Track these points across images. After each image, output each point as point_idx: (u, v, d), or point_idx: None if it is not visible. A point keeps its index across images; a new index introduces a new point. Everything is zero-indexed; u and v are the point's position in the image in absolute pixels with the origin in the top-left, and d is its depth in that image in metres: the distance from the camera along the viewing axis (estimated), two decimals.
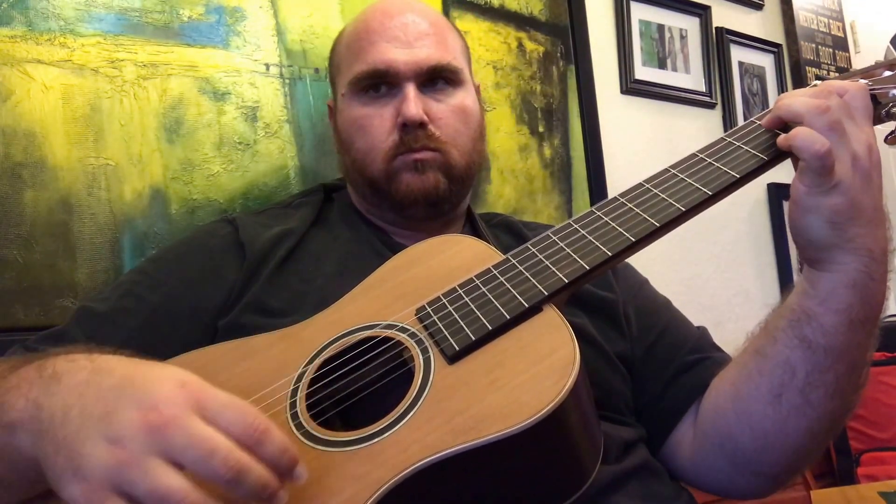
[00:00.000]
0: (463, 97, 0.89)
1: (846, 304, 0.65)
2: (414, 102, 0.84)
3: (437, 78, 0.87)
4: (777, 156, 0.67)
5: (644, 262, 0.99)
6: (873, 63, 0.74)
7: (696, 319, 0.93)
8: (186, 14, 1.06)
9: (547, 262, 0.66)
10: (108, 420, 0.48)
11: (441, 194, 0.85)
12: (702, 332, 0.89)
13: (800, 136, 0.63)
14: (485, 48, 1.38)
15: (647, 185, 0.69)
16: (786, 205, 1.91)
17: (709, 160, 0.69)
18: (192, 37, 1.06)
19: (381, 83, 0.86)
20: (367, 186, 0.88)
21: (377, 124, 0.85)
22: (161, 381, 0.50)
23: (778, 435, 0.70)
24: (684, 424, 0.81)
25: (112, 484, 0.46)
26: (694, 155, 0.70)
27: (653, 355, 0.85)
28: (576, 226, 0.69)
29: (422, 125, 0.84)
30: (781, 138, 0.66)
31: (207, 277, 0.80)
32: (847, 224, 0.63)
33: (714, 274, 1.74)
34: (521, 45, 1.44)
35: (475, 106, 0.91)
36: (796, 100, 0.66)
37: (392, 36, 0.86)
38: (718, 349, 0.86)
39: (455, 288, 0.67)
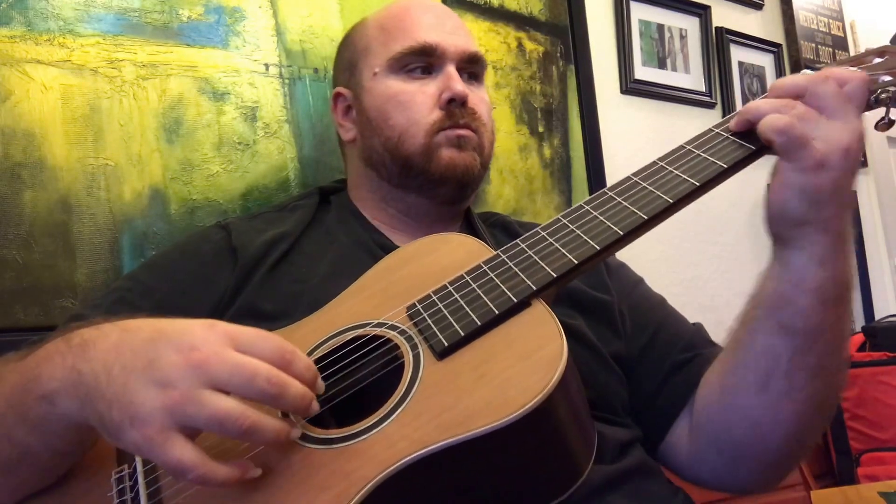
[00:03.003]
0: (485, 93, 0.94)
1: (818, 283, 0.66)
2: (460, 81, 0.87)
3: (470, 68, 0.91)
4: (765, 146, 0.67)
5: (645, 262, 0.99)
6: (864, 51, 0.75)
7: (696, 320, 0.92)
8: (186, 14, 1.06)
9: (535, 258, 0.66)
10: (152, 367, 0.52)
11: (475, 175, 0.88)
12: (696, 329, 0.89)
13: (763, 120, 0.64)
14: (484, 48, 1.38)
15: (635, 178, 0.69)
16: None
17: (696, 151, 0.68)
18: (191, 37, 1.07)
19: (424, 62, 0.88)
20: (398, 165, 0.88)
21: (420, 100, 0.87)
22: (191, 326, 0.55)
23: (770, 423, 0.71)
24: (681, 422, 0.81)
25: (172, 422, 0.51)
26: (682, 147, 0.70)
27: (647, 354, 0.85)
28: (564, 221, 0.69)
29: (464, 103, 0.87)
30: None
31: (199, 283, 0.80)
32: (826, 203, 0.63)
33: (714, 274, 1.74)
34: (520, 45, 1.44)
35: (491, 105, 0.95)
36: (761, 102, 0.67)
37: (432, 23, 0.90)
38: (712, 344, 0.86)
39: (445, 285, 0.67)
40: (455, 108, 0.86)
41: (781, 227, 0.66)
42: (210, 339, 0.53)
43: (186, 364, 0.51)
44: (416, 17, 0.90)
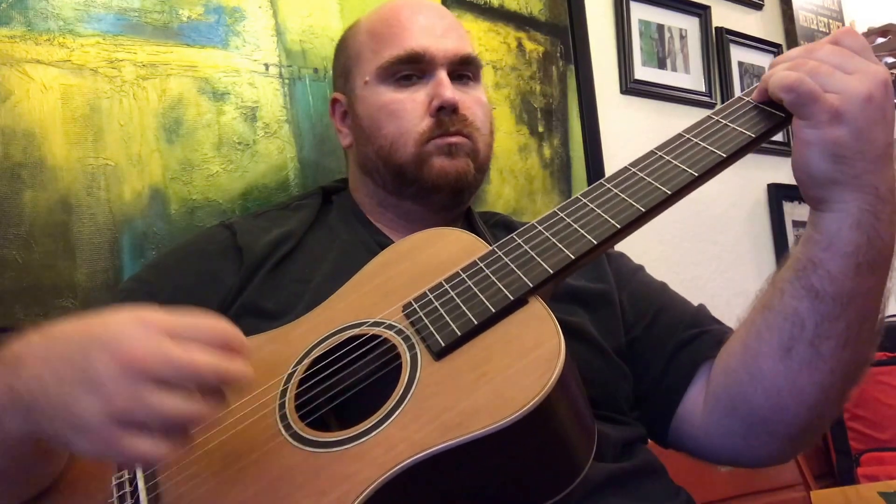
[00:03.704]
0: (482, 92, 0.92)
1: (853, 247, 0.63)
2: (450, 87, 0.86)
3: (463, 70, 0.90)
4: (764, 133, 0.65)
5: (645, 262, 0.99)
6: (866, 30, 0.73)
7: None
8: (186, 14, 1.06)
9: (532, 253, 0.65)
10: (84, 375, 0.50)
11: (470, 181, 0.87)
12: (699, 308, 0.88)
13: (771, 80, 0.63)
14: (484, 48, 1.38)
15: (633, 170, 0.68)
16: (786, 205, 1.91)
17: (695, 140, 0.67)
18: (191, 37, 1.07)
19: (413, 69, 0.87)
20: (391, 174, 0.87)
21: (409, 108, 0.86)
22: (120, 323, 0.53)
23: (791, 391, 0.68)
24: (690, 398, 0.80)
25: (117, 423, 0.49)
26: (680, 135, 0.69)
27: (651, 336, 0.84)
28: (561, 214, 0.67)
29: (455, 110, 0.85)
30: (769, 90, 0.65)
31: (205, 282, 0.80)
32: (852, 158, 0.61)
33: (714, 275, 1.74)
34: (520, 45, 1.44)
35: (489, 103, 0.94)
36: (776, 67, 0.66)
37: (422, 26, 0.89)
38: (718, 322, 0.85)
39: (441, 283, 0.66)
40: (445, 116, 0.85)
41: (811, 189, 0.64)
42: (142, 336, 0.51)
43: (120, 366, 0.49)
44: (406, 20, 0.89)
